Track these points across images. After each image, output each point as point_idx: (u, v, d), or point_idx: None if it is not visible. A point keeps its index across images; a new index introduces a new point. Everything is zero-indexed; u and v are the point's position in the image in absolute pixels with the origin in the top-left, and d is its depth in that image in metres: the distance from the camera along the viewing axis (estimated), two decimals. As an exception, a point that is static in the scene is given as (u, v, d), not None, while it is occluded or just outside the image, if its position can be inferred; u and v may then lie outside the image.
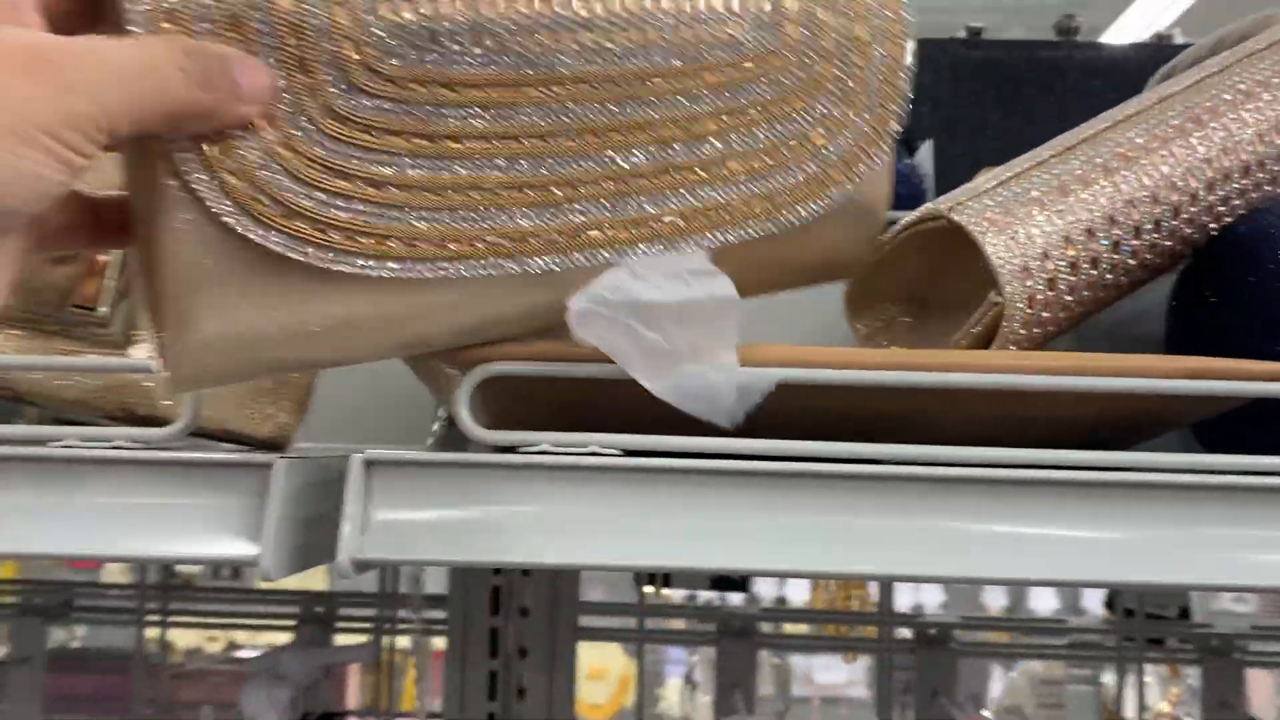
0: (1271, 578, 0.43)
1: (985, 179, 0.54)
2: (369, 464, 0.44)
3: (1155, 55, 0.85)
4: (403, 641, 1.03)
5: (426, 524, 0.43)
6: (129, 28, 0.32)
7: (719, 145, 0.41)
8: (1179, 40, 0.93)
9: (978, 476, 0.44)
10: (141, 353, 0.53)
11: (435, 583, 1.02)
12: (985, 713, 1.01)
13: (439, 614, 0.98)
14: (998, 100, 0.89)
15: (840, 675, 3.94)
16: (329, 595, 1.01)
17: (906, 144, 0.90)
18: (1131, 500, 0.43)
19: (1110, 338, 0.70)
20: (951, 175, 0.84)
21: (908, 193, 0.80)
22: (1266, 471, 0.43)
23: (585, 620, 0.98)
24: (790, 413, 0.44)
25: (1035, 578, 0.44)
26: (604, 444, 0.44)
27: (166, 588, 1.06)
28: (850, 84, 0.43)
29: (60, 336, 0.52)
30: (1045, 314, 0.52)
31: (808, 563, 0.44)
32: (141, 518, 0.46)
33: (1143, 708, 1.01)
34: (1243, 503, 0.43)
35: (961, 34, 0.92)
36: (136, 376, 0.52)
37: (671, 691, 3.27)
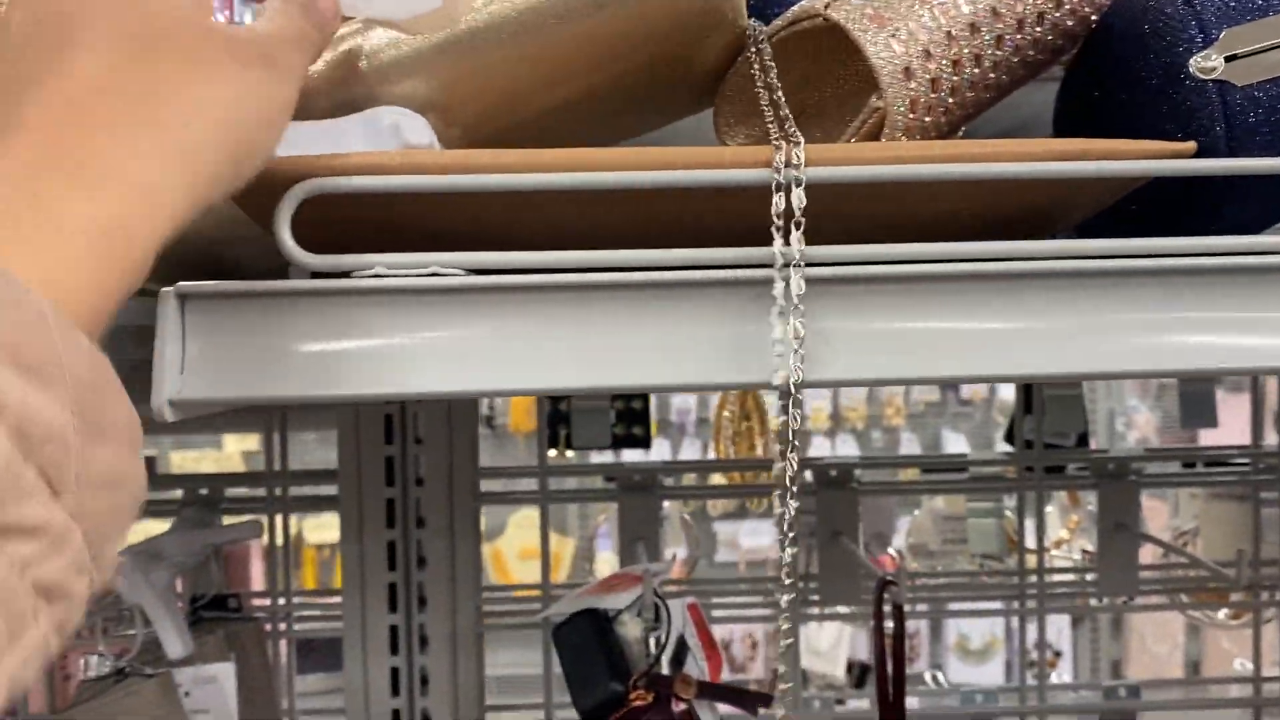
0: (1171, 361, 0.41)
1: (859, -27, 0.50)
2: (182, 298, 0.39)
3: None
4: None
5: (249, 359, 0.39)
6: None
7: None
8: None
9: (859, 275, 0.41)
10: None
11: (327, 457, 0.99)
12: (891, 551, 1.01)
13: (331, 489, 0.95)
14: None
15: (766, 539, 4.03)
16: (213, 477, 0.97)
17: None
18: (1027, 290, 0.41)
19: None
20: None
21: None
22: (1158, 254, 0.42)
23: (486, 485, 0.96)
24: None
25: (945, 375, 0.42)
26: (445, 263, 0.41)
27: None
28: None
29: None
30: (927, 119, 0.49)
31: (682, 376, 0.42)
32: None
33: (1042, 535, 1.02)
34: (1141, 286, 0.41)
35: None
36: None
37: (604, 565, 3.32)
